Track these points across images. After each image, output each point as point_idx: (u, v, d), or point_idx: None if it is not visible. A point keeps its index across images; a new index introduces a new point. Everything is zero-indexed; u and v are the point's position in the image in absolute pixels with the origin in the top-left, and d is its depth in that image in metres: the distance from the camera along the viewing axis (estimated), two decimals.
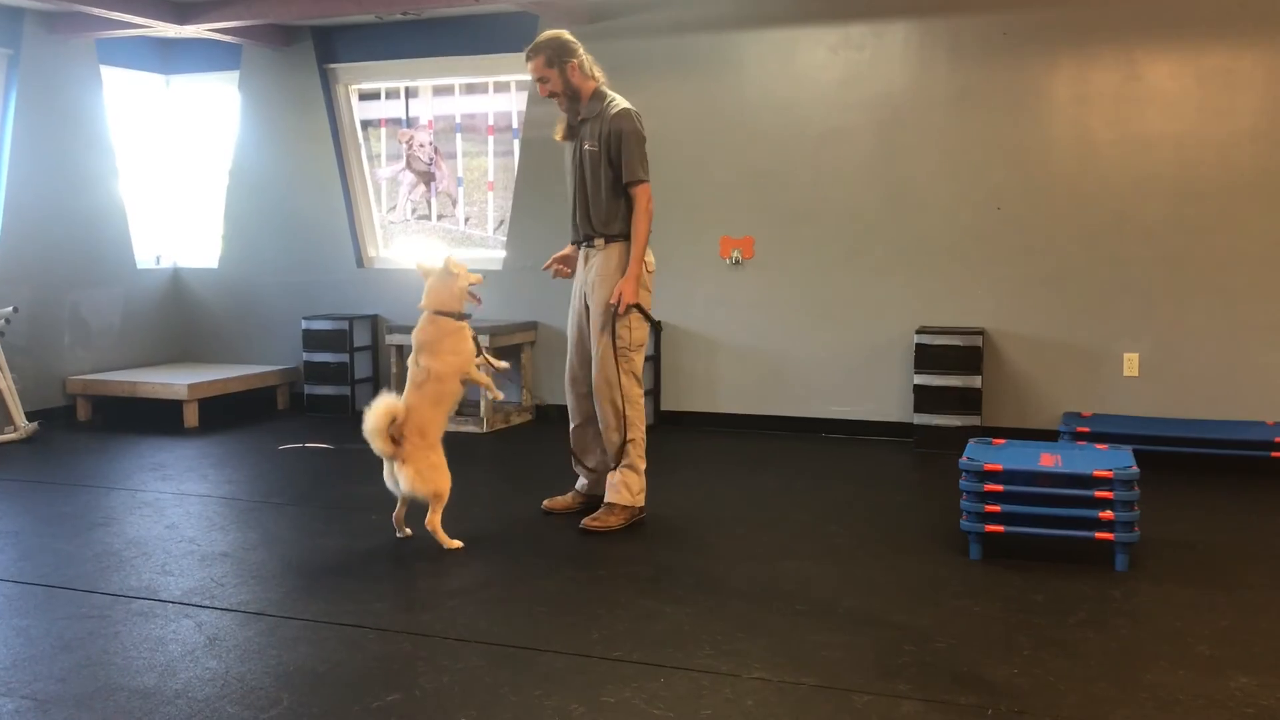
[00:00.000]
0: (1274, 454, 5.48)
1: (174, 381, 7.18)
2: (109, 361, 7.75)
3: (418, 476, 4.29)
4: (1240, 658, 3.25)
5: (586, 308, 4.70)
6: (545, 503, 4.93)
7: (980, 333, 6.27)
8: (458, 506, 4.63)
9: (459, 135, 7.82)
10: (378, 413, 4.28)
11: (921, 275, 6.50)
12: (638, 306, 4.57)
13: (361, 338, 7.68)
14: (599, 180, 4.58)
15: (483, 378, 4.58)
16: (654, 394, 6.99)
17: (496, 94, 7.68)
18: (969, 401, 6.20)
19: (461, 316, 4.53)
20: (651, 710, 2.92)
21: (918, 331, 6.30)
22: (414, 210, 7.99)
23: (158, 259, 8.33)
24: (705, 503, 5.16)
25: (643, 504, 4.69)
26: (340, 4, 6.67)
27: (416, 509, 4.50)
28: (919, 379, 6.28)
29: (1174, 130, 6.03)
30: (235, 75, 8.02)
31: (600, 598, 3.81)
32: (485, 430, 6.88)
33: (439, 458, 4.37)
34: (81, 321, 7.58)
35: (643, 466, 4.68)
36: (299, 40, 7.77)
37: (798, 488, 5.45)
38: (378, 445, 4.29)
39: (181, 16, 6.87)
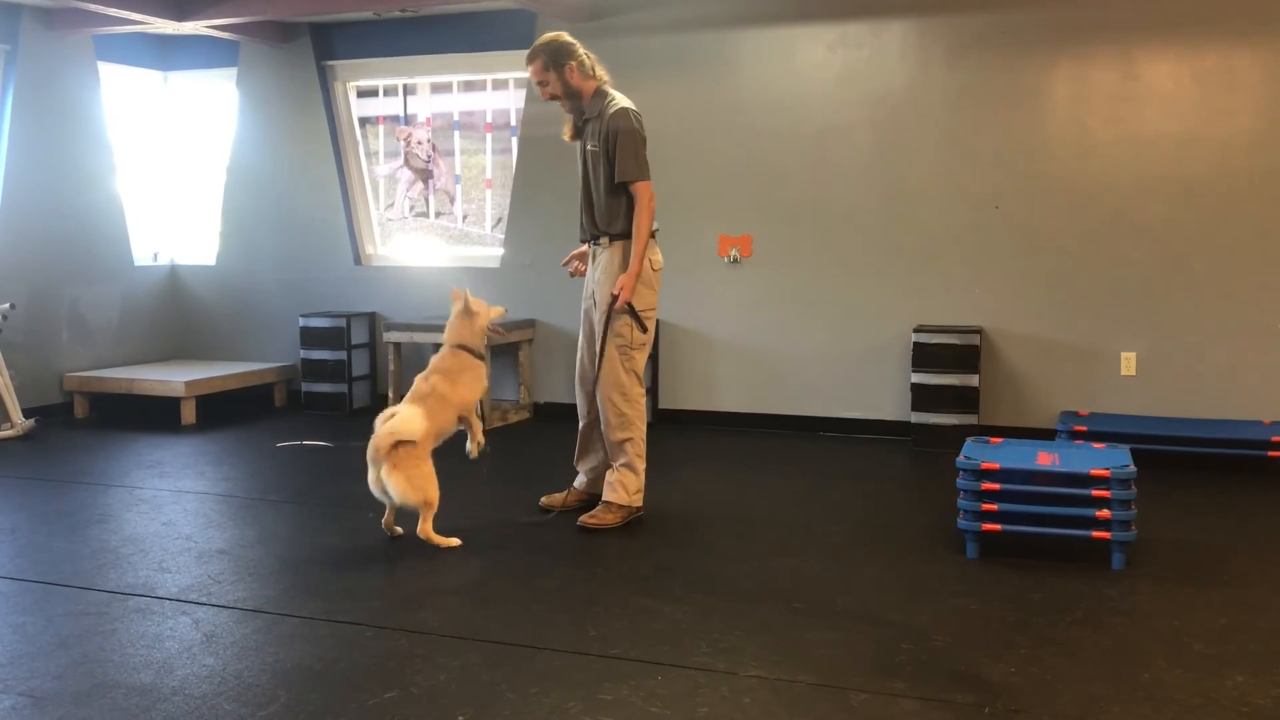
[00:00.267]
0: (1270, 453, 5.49)
1: (171, 379, 7.18)
2: (106, 358, 7.74)
3: (408, 484, 4.26)
4: (1236, 656, 3.25)
5: (594, 305, 4.74)
6: (543, 499, 4.93)
7: (978, 331, 6.28)
8: (456, 504, 4.63)
9: (457, 133, 7.82)
10: (383, 435, 4.28)
11: (919, 274, 6.51)
12: (630, 310, 4.56)
13: (359, 335, 7.67)
14: (601, 180, 4.59)
15: (475, 423, 4.64)
16: (652, 392, 6.99)
17: (495, 91, 7.68)
18: (966, 400, 6.20)
19: (480, 355, 4.63)
20: (648, 708, 2.92)
21: (915, 330, 6.30)
22: (412, 208, 7.99)
23: (155, 256, 8.32)
24: (702, 501, 5.16)
25: (640, 504, 4.69)
26: (339, 0, 6.66)
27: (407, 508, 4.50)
28: (916, 377, 6.28)
29: (1171, 130, 6.04)
30: (233, 72, 8.01)
31: (597, 596, 3.82)
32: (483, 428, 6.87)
33: (429, 467, 4.37)
34: (79, 318, 7.57)
35: (641, 466, 4.68)
36: (297, 37, 7.76)
37: (795, 486, 5.45)
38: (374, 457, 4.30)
39: (179, 13, 6.85)
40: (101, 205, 7.69)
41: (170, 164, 8.47)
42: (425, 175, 7.92)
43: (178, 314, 8.30)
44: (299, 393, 7.76)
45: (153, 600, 3.78)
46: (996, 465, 4.14)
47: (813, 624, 3.53)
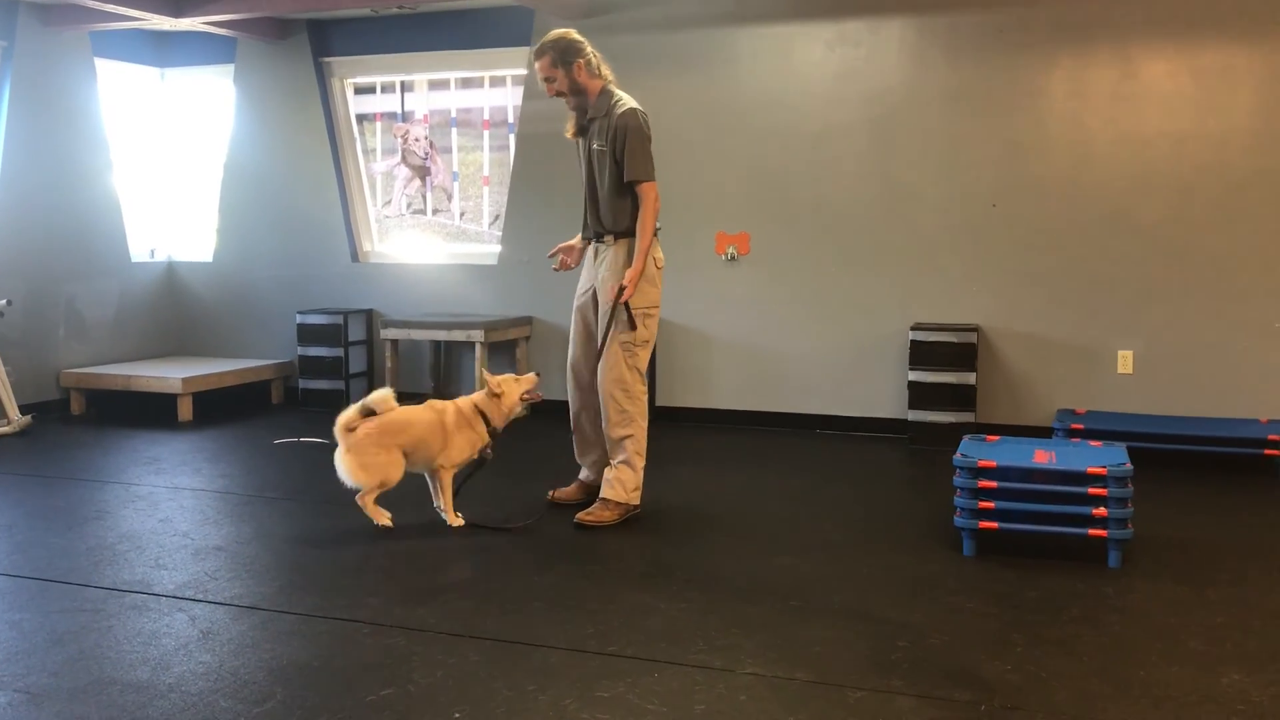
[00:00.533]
0: (1267, 452, 5.50)
1: (168, 375, 7.17)
2: (103, 355, 7.73)
3: (360, 469, 4.40)
4: (1233, 654, 3.26)
5: (594, 302, 4.74)
6: (551, 493, 4.95)
7: (975, 329, 6.28)
8: (455, 502, 4.63)
9: (454, 130, 7.81)
10: (354, 409, 4.47)
11: (917, 272, 6.51)
12: (626, 310, 4.56)
13: (356, 332, 7.67)
14: (606, 179, 4.59)
15: (447, 484, 4.61)
16: (650, 389, 6.96)
17: (492, 88, 7.67)
18: (963, 398, 6.20)
19: (495, 432, 4.67)
20: (645, 705, 2.92)
21: (912, 328, 6.31)
22: (409, 205, 7.98)
23: (152, 252, 8.31)
24: (699, 498, 5.16)
25: (637, 502, 4.69)
26: None
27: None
28: (914, 375, 6.28)
29: (1169, 128, 6.04)
30: (230, 68, 8.00)
31: (594, 593, 3.82)
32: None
33: (390, 456, 4.43)
34: (76, 315, 7.56)
35: (641, 464, 4.68)
36: (294, 33, 7.75)
37: (792, 484, 5.46)
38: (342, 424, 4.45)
39: (176, 9, 6.84)
40: (98, 201, 7.68)
41: (167, 160, 8.46)
42: (423, 172, 7.91)
43: (175, 310, 8.29)
44: (296, 389, 7.75)
45: (149, 597, 3.78)
46: (993, 463, 4.15)
47: (810, 621, 3.53)
